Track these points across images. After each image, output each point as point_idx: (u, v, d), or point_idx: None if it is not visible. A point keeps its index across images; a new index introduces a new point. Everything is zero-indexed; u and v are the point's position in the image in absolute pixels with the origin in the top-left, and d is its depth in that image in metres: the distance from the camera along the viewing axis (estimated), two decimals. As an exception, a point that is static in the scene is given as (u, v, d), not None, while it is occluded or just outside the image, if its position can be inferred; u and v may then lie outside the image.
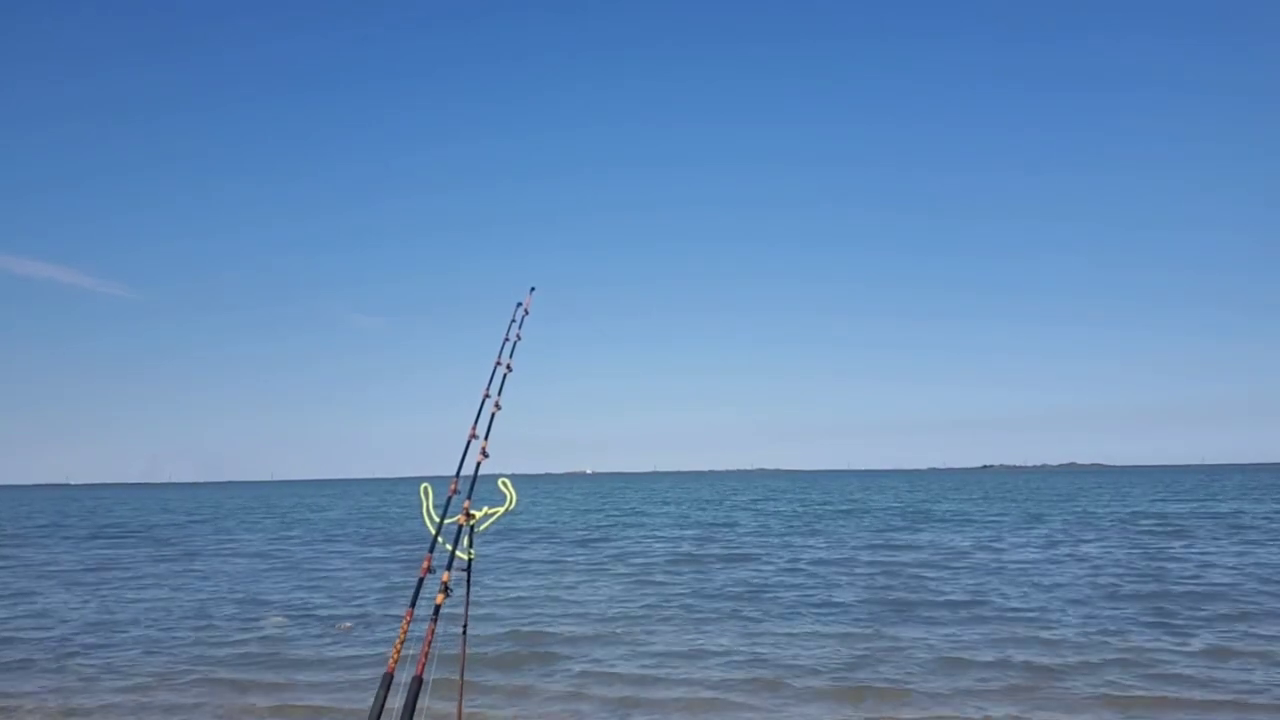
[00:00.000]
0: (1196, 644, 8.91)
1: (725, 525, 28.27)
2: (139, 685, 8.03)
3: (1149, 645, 8.86)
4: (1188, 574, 14.04)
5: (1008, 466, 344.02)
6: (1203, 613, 10.58)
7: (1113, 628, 9.71)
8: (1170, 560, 15.94)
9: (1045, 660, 8.27)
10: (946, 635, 9.49)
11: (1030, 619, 10.30)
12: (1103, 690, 7.27)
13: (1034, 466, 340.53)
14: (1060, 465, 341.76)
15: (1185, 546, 18.51)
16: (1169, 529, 23.53)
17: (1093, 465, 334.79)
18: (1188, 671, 7.82)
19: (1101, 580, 13.48)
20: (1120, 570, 14.63)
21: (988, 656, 8.46)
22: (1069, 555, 17.20)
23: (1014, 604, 11.41)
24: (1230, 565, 15.05)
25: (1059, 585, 13.00)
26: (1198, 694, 7.13)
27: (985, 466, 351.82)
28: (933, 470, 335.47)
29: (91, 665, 8.86)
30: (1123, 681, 7.52)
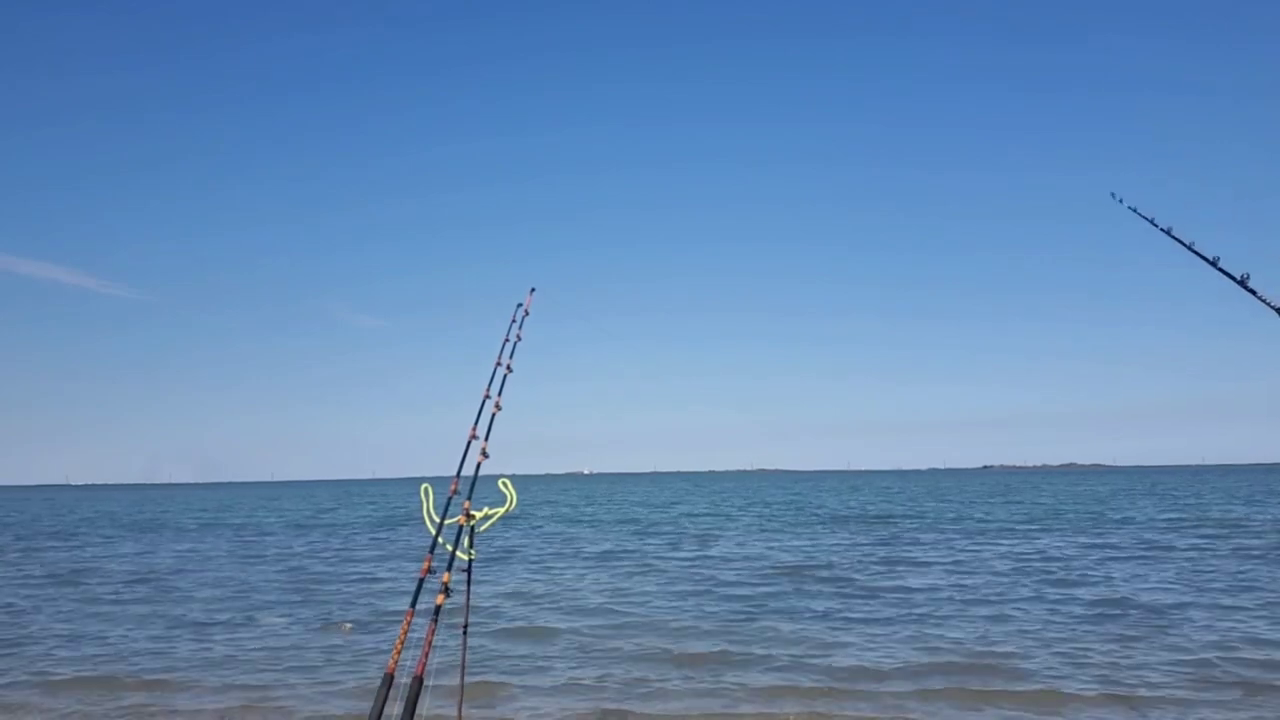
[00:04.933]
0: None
1: (712, 534, 28.16)
2: (136, 685, 8.04)
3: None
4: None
5: (1008, 467, 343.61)
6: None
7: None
8: None
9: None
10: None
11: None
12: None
13: (1034, 467, 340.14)
14: (1060, 465, 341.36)
15: None
16: None
17: (1093, 465, 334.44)
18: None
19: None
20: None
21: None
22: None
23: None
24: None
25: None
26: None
27: (985, 467, 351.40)
28: (933, 470, 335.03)
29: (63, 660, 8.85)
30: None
